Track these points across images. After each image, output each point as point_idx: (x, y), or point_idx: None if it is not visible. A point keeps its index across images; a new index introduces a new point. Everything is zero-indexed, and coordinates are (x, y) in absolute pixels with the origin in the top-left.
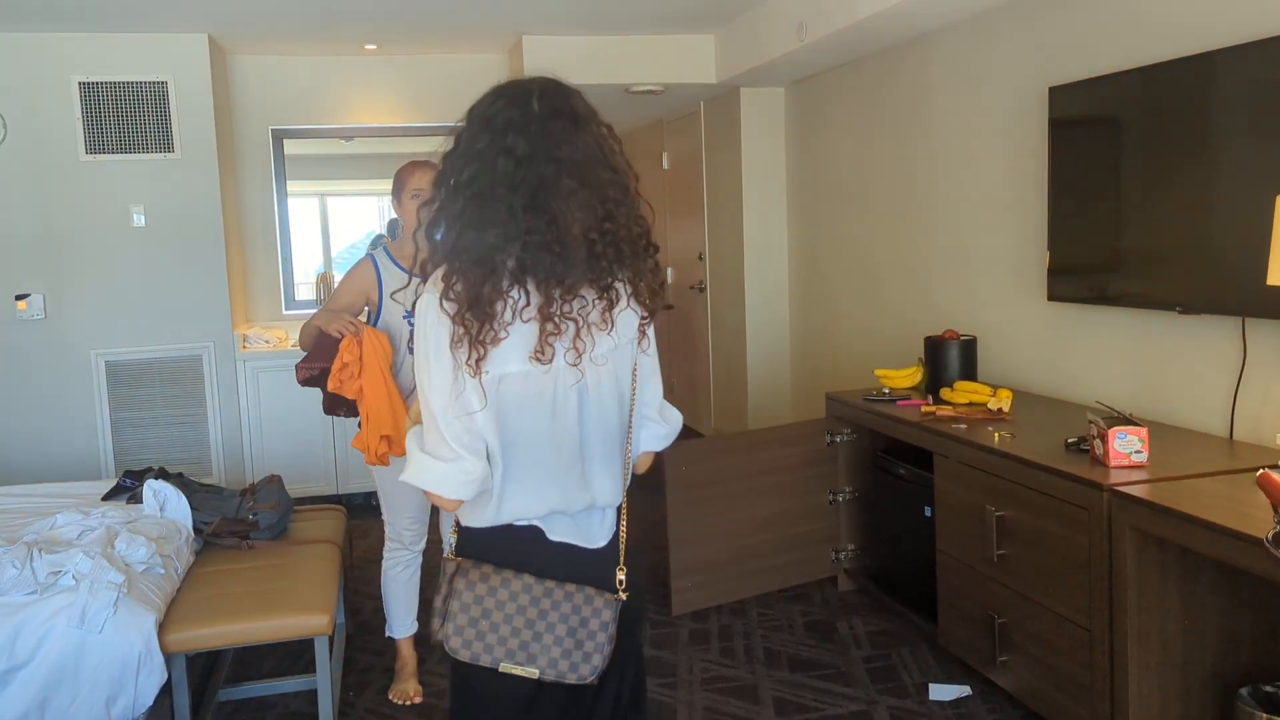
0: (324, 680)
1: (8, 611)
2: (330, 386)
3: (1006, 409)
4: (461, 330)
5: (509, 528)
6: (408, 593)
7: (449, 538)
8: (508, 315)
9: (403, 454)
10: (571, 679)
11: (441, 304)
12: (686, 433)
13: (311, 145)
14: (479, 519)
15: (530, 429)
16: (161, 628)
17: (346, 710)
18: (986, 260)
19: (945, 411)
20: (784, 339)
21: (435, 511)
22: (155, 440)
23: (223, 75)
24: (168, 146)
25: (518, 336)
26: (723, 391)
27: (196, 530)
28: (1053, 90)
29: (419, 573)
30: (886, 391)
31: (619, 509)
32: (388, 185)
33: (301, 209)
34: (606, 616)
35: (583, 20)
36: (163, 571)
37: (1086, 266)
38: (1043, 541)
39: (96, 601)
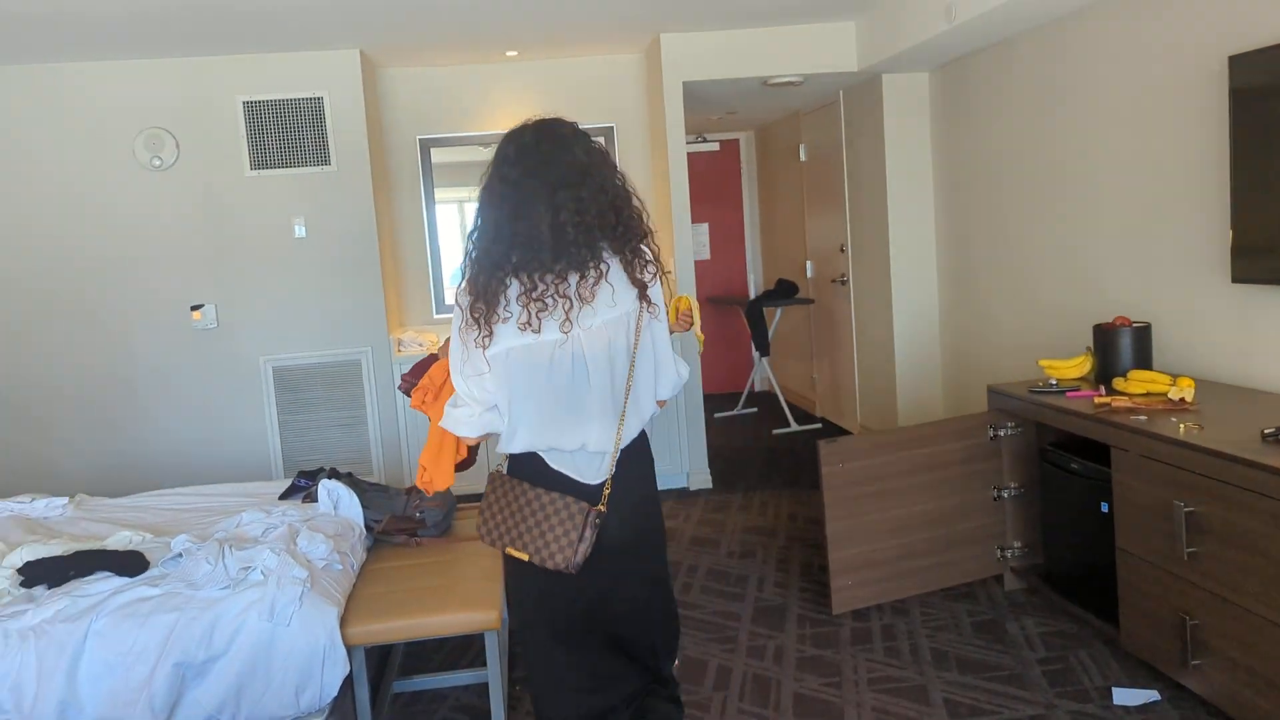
0: (494, 674)
1: (204, 605)
2: (413, 404)
3: (1189, 399)
4: (473, 318)
5: (526, 454)
6: None
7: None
8: (503, 299)
9: (432, 492)
10: (550, 565)
11: (458, 300)
12: (834, 432)
13: (452, 153)
14: (504, 449)
15: (530, 387)
16: (342, 621)
17: (515, 704)
18: (1159, 242)
19: (1121, 403)
20: (933, 332)
21: None
22: (320, 441)
23: (373, 88)
24: (324, 160)
25: (519, 316)
26: (869, 388)
27: (368, 528)
28: (1233, 59)
29: None
30: (1054, 383)
31: (614, 455)
32: None
33: (443, 215)
34: (578, 520)
35: (720, 15)
36: (340, 568)
37: (1277, 245)
38: (1240, 539)
39: (284, 596)
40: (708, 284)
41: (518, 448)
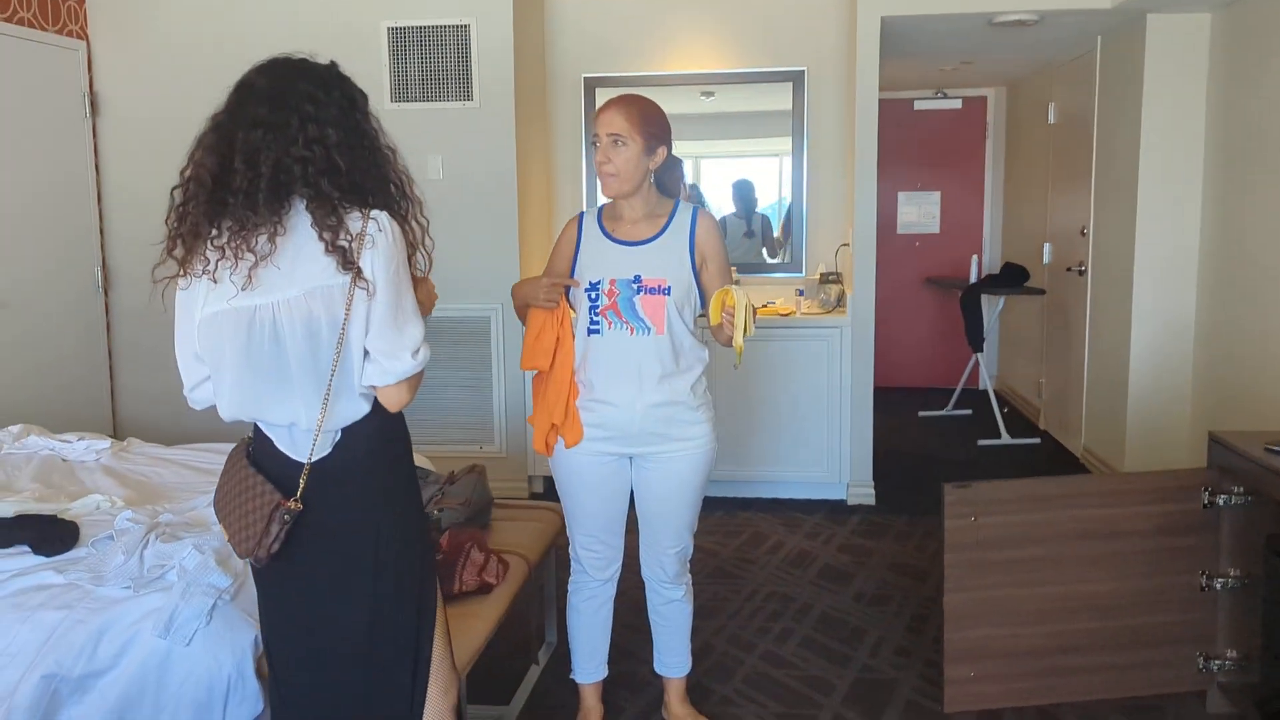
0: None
1: (97, 607)
2: (523, 364)
3: None
4: (175, 259)
5: (254, 425)
6: (591, 631)
7: None
8: (200, 249)
9: (572, 442)
10: (239, 552)
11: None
12: (1054, 450)
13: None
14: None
15: (227, 356)
16: None
17: None
18: None
19: None
20: (1185, 348)
21: (632, 535)
22: (438, 402)
23: (535, 18)
24: (467, 94)
25: (207, 268)
26: (1098, 407)
27: None
28: None
29: (609, 607)
30: None
31: (318, 435)
32: (738, 145)
33: None
34: (265, 511)
35: None
36: None
37: None
38: None
39: (189, 608)
40: (932, 262)
41: (227, 417)
